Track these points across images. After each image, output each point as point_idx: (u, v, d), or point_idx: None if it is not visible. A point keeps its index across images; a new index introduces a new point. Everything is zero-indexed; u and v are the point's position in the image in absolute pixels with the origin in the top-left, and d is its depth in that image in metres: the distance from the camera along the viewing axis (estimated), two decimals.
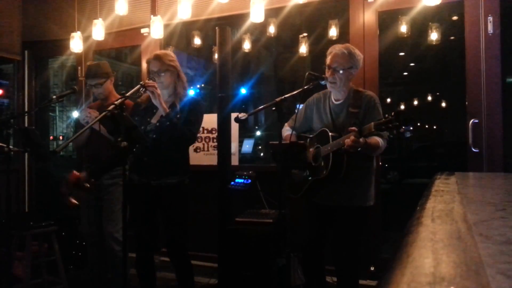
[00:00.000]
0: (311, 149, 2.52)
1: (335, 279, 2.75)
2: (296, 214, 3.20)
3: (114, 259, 2.91)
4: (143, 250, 2.70)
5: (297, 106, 2.69)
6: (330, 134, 2.34)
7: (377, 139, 2.28)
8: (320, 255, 2.60)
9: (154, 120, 2.66)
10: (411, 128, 1.92)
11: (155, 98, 2.51)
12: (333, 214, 2.48)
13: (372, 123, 2.06)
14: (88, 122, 2.89)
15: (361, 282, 2.82)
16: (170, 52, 2.81)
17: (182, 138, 2.58)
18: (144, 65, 4.22)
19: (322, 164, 2.38)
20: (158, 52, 2.79)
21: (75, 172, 2.83)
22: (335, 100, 2.52)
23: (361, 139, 2.12)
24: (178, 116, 2.59)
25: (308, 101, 2.69)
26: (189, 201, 2.72)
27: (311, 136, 2.58)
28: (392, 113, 1.96)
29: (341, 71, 2.40)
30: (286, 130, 2.70)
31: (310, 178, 2.47)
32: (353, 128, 2.13)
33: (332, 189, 2.42)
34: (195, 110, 2.67)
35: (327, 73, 2.43)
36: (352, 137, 2.11)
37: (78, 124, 3.17)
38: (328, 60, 2.45)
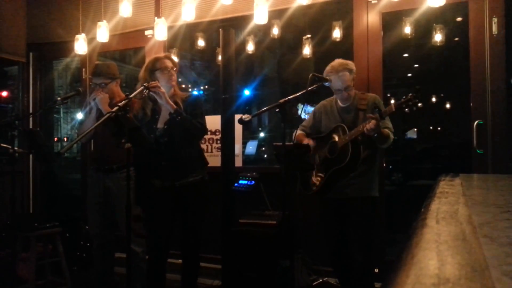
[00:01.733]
0: (325, 146, 2.70)
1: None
2: (300, 216, 3.20)
3: (135, 260, 2.93)
4: (159, 253, 2.72)
5: (302, 106, 2.76)
6: (346, 128, 2.55)
7: (388, 131, 2.52)
8: (345, 248, 2.70)
9: (160, 125, 2.68)
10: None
11: (161, 97, 2.54)
12: (344, 207, 2.65)
13: (393, 104, 2.32)
14: (95, 99, 2.94)
15: None
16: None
17: (194, 131, 2.63)
18: None
19: (340, 155, 2.56)
20: (166, 53, 2.92)
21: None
22: (342, 104, 2.72)
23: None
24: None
25: (315, 108, 2.91)
26: (208, 198, 2.77)
27: (323, 135, 2.75)
28: (410, 94, 2.25)
29: (351, 87, 2.65)
30: (298, 132, 2.89)
31: (328, 171, 2.63)
32: (372, 115, 2.35)
33: (343, 183, 2.61)
34: (197, 105, 2.76)
35: (344, 95, 2.65)
36: (374, 121, 2.33)
37: (82, 124, 3.18)
38: (338, 84, 2.62)
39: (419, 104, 2.23)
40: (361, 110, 2.60)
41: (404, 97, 2.28)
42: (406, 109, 2.28)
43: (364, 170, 2.58)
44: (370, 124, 2.34)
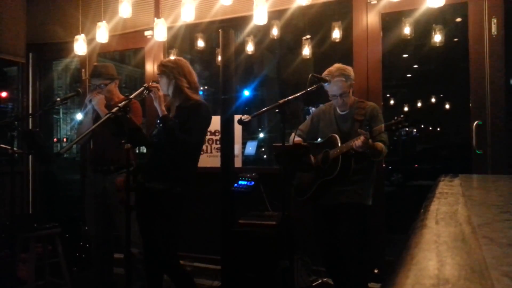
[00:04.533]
0: (319, 154, 2.68)
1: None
2: (300, 217, 3.20)
3: (132, 262, 2.92)
4: (146, 251, 2.71)
5: (306, 108, 2.79)
6: (339, 139, 2.53)
7: (381, 145, 2.47)
8: (337, 252, 2.69)
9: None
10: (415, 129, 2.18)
11: (155, 100, 2.51)
12: (336, 212, 2.64)
13: (383, 124, 2.29)
14: (92, 101, 2.94)
15: None
16: (173, 58, 2.80)
17: (176, 143, 2.50)
18: (147, 67, 4.25)
19: (331, 166, 2.54)
20: (162, 59, 2.83)
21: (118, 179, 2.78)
22: (341, 111, 2.69)
23: (369, 141, 2.32)
24: (176, 121, 2.53)
25: (314, 113, 2.89)
26: (178, 211, 2.60)
27: (319, 142, 2.74)
28: (402, 115, 2.21)
29: (346, 94, 2.61)
30: (295, 137, 2.85)
31: (318, 180, 2.62)
32: (362, 131, 2.31)
33: (336, 190, 2.58)
34: (194, 117, 2.57)
35: (339, 101, 2.64)
36: (362, 138, 2.29)
37: (81, 125, 3.19)
38: (333, 89, 2.61)
39: (408, 128, 2.23)
40: (357, 121, 2.56)
41: (395, 117, 2.25)
42: (395, 131, 2.28)
43: (359, 179, 2.56)
44: (358, 142, 2.32)
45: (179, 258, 2.77)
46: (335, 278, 2.79)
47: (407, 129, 2.20)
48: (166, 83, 2.65)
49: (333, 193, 2.60)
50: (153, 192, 2.55)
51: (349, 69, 2.63)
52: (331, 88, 2.61)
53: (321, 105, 2.85)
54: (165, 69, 2.64)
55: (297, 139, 2.82)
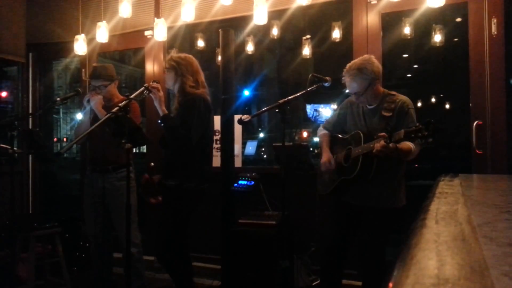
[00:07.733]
0: (343, 150, 2.57)
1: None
2: (301, 217, 3.20)
3: (131, 261, 2.92)
4: (158, 251, 2.74)
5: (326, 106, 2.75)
6: (362, 137, 2.38)
7: (409, 145, 2.27)
8: (341, 256, 2.61)
9: None
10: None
11: (156, 101, 2.56)
12: (360, 214, 2.52)
13: (403, 130, 2.08)
14: (90, 101, 2.96)
15: None
16: (183, 55, 2.79)
17: (178, 141, 2.58)
18: (147, 67, 4.24)
19: (351, 165, 2.42)
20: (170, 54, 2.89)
21: (145, 175, 2.86)
22: (368, 105, 2.52)
23: (391, 145, 2.13)
24: (176, 118, 2.62)
25: (342, 105, 2.73)
26: (189, 207, 2.71)
27: (344, 136, 2.63)
28: (423, 123, 2.00)
29: (363, 93, 2.42)
30: (321, 130, 2.79)
31: (339, 178, 2.53)
32: (383, 134, 2.15)
33: (360, 189, 2.46)
34: (188, 112, 2.61)
35: (353, 98, 2.50)
36: (381, 142, 2.14)
37: (79, 125, 3.19)
38: (348, 87, 2.46)
39: (429, 139, 1.97)
40: (384, 118, 2.38)
41: (417, 124, 2.05)
42: (415, 139, 2.07)
43: (386, 179, 2.40)
44: (378, 146, 2.16)
45: (187, 255, 2.80)
46: (327, 277, 2.67)
47: (429, 139, 1.96)
48: (173, 79, 2.71)
49: (357, 192, 2.47)
50: (168, 189, 2.66)
51: (370, 65, 2.40)
52: (347, 85, 2.45)
53: (350, 97, 2.64)
54: (174, 64, 2.69)
55: (323, 132, 2.75)
